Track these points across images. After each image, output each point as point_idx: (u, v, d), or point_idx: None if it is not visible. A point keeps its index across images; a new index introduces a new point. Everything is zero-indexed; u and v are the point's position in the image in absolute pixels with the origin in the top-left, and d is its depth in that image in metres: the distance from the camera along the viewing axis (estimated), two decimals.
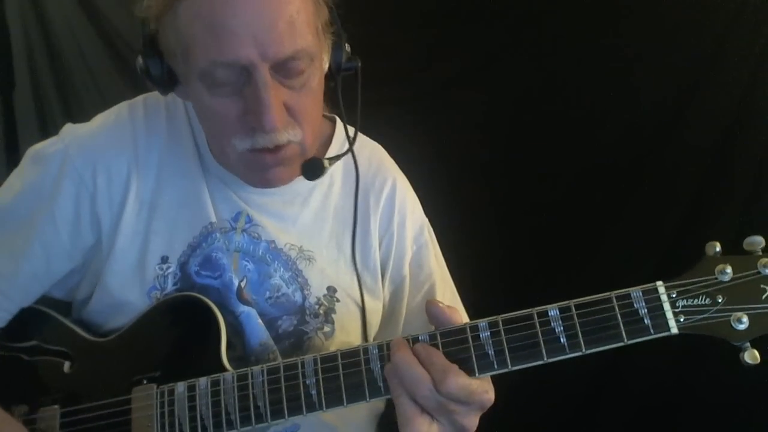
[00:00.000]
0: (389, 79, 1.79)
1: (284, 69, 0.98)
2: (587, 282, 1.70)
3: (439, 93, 1.94)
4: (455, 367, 0.89)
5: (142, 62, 1.05)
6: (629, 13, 1.72)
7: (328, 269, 1.16)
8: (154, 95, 1.19)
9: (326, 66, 1.09)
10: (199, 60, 0.96)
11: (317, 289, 1.15)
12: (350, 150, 1.15)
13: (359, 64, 1.12)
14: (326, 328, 1.15)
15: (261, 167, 1.05)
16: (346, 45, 1.10)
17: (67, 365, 1.11)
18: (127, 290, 1.11)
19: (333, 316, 1.15)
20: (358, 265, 1.18)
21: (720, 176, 1.66)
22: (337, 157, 1.12)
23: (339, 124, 1.24)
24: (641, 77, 1.72)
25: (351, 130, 1.17)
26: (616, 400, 1.78)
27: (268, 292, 1.13)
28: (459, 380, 0.87)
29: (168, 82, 1.06)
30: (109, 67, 2.38)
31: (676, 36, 1.67)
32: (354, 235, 1.17)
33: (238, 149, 1.02)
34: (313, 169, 1.08)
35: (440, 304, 0.94)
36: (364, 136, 1.27)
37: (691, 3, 1.65)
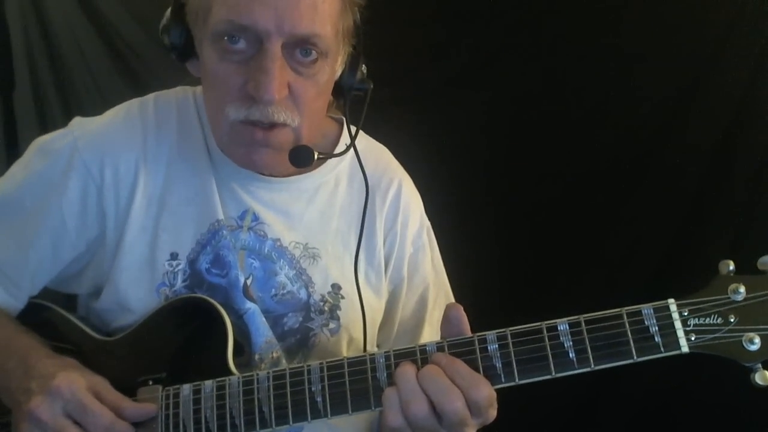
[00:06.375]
0: (390, 78, 1.78)
1: (296, 52, 1.00)
2: (587, 282, 1.73)
3: (440, 92, 1.94)
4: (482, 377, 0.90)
5: (167, 24, 1.07)
6: (629, 13, 1.72)
7: (332, 266, 1.17)
8: (165, 93, 1.19)
9: (338, 73, 1.10)
10: (217, 18, 0.98)
11: (321, 287, 1.16)
12: (349, 149, 1.15)
13: (371, 87, 1.13)
14: (332, 325, 1.15)
15: (249, 142, 1.04)
16: (363, 66, 1.11)
17: None
18: (136, 286, 1.11)
19: (338, 312, 1.16)
20: (364, 263, 1.18)
21: (720, 176, 1.66)
22: (330, 155, 1.13)
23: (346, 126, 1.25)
24: (641, 77, 1.73)
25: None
26: (615, 401, 1.78)
27: (273, 289, 1.14)
28: (487, 389, 0.88)
29: (184, 50, 1.08)
30: (109, 67, 2.35)
31: (676, 36, 1.67)
32: (360, 233, 1.17)
33: (231, 118, 1.02)
34: (300, 155, 1.07)
35: (461, 312, 0.94)
36: (372, 139, 1.28)
37: (691, 3, 1.66)
